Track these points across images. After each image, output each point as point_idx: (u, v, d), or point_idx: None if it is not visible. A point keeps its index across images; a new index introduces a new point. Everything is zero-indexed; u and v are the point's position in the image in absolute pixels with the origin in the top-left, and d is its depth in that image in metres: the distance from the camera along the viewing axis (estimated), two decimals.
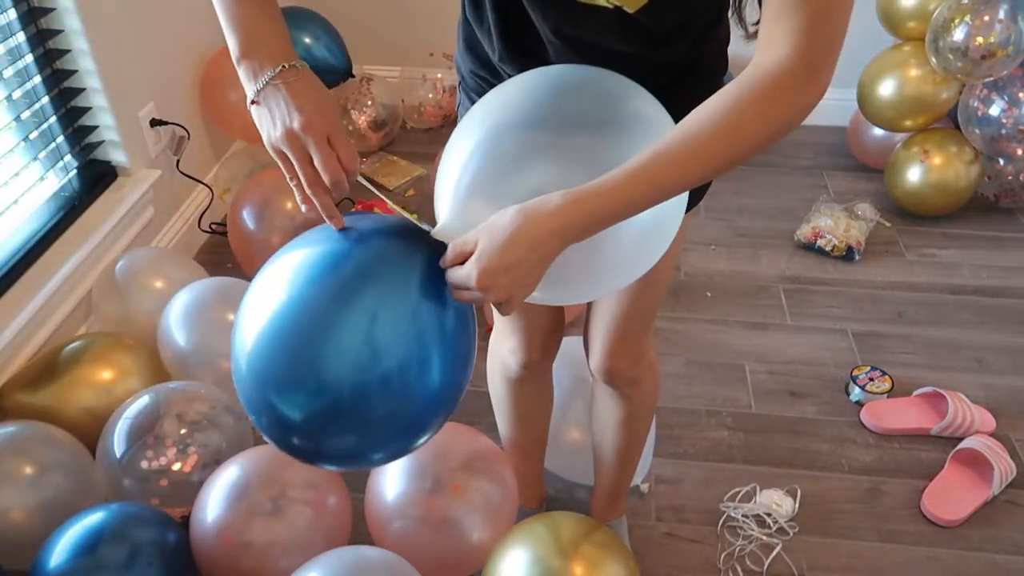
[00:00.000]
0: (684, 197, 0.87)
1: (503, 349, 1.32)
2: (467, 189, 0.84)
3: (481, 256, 0.75)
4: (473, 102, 0.95)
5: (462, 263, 0.77)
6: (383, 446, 0.80)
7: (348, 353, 0.74)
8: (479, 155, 0.86)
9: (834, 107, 2.95)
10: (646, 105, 0.85)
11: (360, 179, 0.83)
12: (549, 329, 1.28)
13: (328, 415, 0.76)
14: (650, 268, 0.90)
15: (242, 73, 0.80)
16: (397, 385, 0.76)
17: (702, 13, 0.87)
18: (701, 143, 0.72)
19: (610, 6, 0.82)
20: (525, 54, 0.93)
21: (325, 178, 0.79)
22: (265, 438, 0.81)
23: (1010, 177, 2.47)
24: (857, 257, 2.36)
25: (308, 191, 0.80)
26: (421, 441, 0.82)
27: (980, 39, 2.13)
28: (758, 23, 0.73)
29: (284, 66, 0.79)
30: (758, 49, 0.72)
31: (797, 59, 0.69)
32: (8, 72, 1.70)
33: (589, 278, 0.89)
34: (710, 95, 0.74)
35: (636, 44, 0.87)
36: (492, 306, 1.27)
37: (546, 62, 0.92)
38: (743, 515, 1.66)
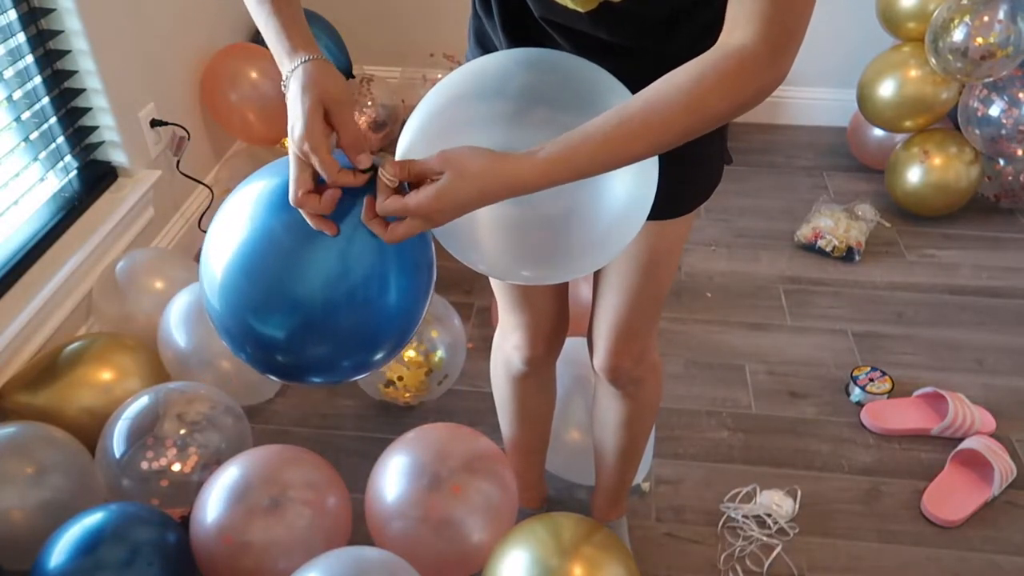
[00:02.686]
0: (655, 178, 0.88)
1: (507, 346, 1.32)
2: (425, 145, 0.85)
3: (442, 193, 0.74)
4: None
5: (407, 181, 0.77)
6: (349, 355, 0.87)
7: (318, 275, 0.81)
8: (439, 118, 0.87)
9: (834, 107, 2.98)
10: (620, 101, 0.86)
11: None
12: (553, 325, 1.28)
13: (304, 329, 0.82)
14: (629, 242, 0.91)
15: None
16: (360, 300, 0.83)
17: (698, 3, 0.86)
18: (662, 117, 0.74)
19: (576, 8, 0.84)
20: (528, 45, 0.93)
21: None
22: (251, 366, 0.88)
23: (1010, 178, 2.47)
24: (857, 258, 2.36)
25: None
26: (379, 356, 0.89)
27: (980, 40, 2.14)
28: None
29: (286, 74, 0.80)
30: (724, 31, 0.74)
31: (760, 42, 0.71)
32: (8, 73, 1.70)
33: (569, 258, 0.90)
34: None
35: (629, 36, 0.88)
36: (498, 304, 1.28)
37: None
38: (743, 516, 1.66)
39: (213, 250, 0.85)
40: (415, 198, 0.75)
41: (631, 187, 0.86)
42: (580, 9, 0.85)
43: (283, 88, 0.81)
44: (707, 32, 0.87)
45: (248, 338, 0.84)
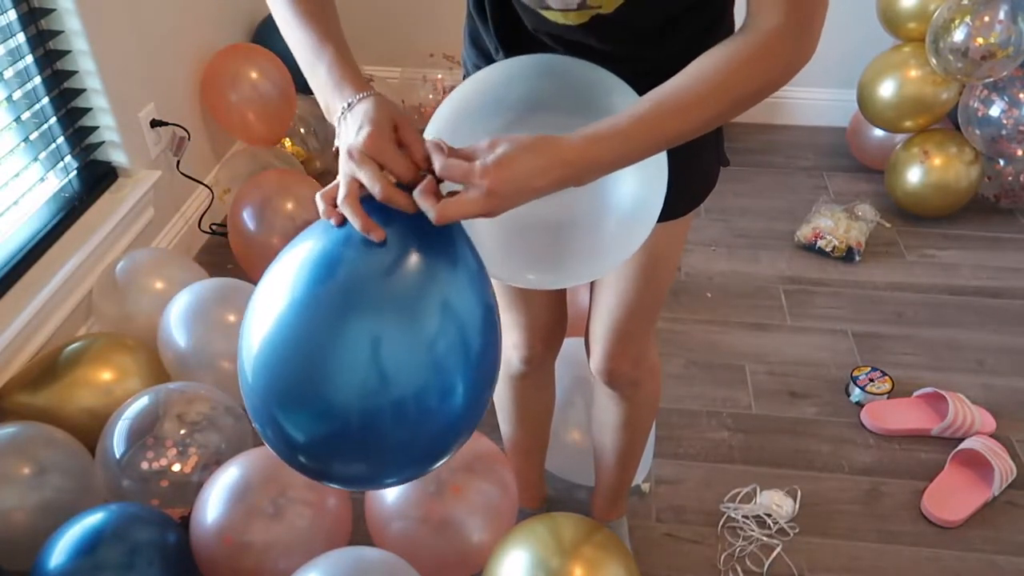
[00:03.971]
0: (663, 182, 0.88)
1: (505, 345, 1.32)
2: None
3: (503, 157, 0.71)
4: None
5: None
6: (397, 472, 0.73)
7: (355, 375, 0.67)
8: (447, 135, 0.85)
9: (834, 108, 2.98)
10: (624, 99, 0.86)
11: None
12: (551, 323, 1.28)
13: (335, 439, 0.69)
14: (635, 250, 0.91)
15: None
16: (413, 413, 0.68)
17: (692, 9, 0.87)
18: (697, 95, 0.75)
19: (568, 22, 0.84)
20: (522, 51, 0.94)
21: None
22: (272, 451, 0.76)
23: (1010, 178, 2.47)
24: (857, 258, 2.36)
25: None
26: (439, 464, 0.75)
27: (980, 40, 2.14)
28: None
29: (348, 103, 0.77)
30: (748, 14, 0.75)
31: (784, 24, 0.73)
32: (8, 73, 1.70)
33: (574, 263, 0.89)
34: None
35: (622, 45, 0.88)
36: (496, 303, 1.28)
37: None
38: (743, 516, 1.66)
39: (256, 312, 0.73)
40: (479, 163, 0.71)
41: (637, 191, 0.86)
42: (572, 23, 0.86)
43: (340, 115, 0.77)
44: (701, 37, 0.87)
45: (270, 425, 0.72)
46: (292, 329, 0.69)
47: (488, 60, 1.00)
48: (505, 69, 0.90)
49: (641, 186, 0.86)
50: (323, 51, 0.81)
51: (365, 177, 0.72)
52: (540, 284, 0.94)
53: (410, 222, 0.72)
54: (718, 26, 0.91)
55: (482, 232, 0.86)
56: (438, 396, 0.69)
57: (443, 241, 0.74)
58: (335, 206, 0.74)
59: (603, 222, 0.86)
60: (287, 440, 0.71)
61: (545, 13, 0.86)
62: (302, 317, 0.69)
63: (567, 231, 0.85)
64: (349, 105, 0.77)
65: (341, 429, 0.68)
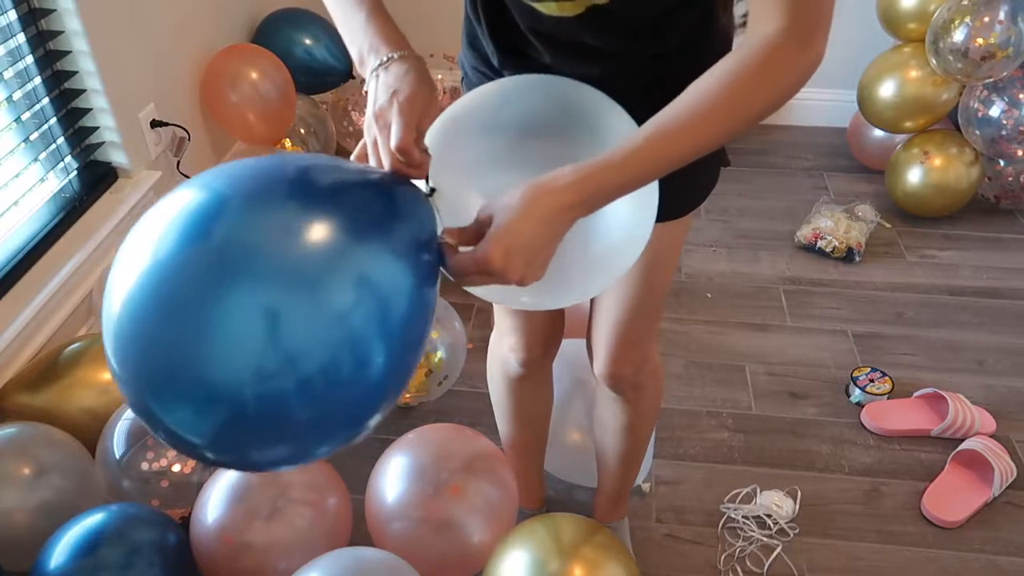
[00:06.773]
0: (655, 202, 0.87)
1: (503, 347, 1.33)
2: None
3: (497, 234, 0.72)
4: None
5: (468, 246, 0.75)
6: (322, 443, 0.62)
7: (243, 353, 0.53)
8: (441, 155, 0.86)
9: (834, 108, 2.98)
10: (618, 122, 0.85)
11: None
12: (549, 326, 1.29)
13: (233, 427, 0.56)
14: (627, 271, 0.90)
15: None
16: (321, 390, 0.56)
17: (687, 2, 0.86)
18: (703, 116, 0.73)
19: (563, 14, 0.84)
20: (517, 53, 0.94)
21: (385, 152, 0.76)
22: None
23: (1010, 178, 2.47)
24: (857, 258, 2.36)
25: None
26: (368, 427, 0.65)
27: (980, 40, 2.14)
28: (746, 15, 0.75)
29: (383, 59, 0.78)
30: (750, 22, 0.74)
31: (787, 31, 0.71)
32: (8, 73, 1.70)
33: (567, 283, 0.89)
34: None
35: (616, 39, 0.88)
36: (494, 306, 1.28)
37: (537, 61, 0.93)
38: (743, 516, 1.66)
39: (114, 285, 0.59)
40: (476, 253, 0.73)
41: (628, 212, 0.85)
42: (568, 14, 0.85)
43: (375, 69, 0.77)
44: (694, 31, 0.87)
45: (155, 422, 0.58)
46: (156, 298, 0.55)
47: (485, 62, 1.01)
48: (500, 88, 0.89)
49: (632, 207, 0.85)
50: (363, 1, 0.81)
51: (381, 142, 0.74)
52: (535, 306, 0.94)
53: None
54: (711, 20, 0.90)
55: None
56: (358, 358, 0.58)
57: (379, 204, 0.65)
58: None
59: (594, 245, 0.85)
60: (179, 438, 0.58)
61: (540, 6, 0.86)
62: (167, 282, 0.55)
63: (558, 255, 0.85)
64: (388, 60, 0.77)
65: (236, 416, 0.55)
